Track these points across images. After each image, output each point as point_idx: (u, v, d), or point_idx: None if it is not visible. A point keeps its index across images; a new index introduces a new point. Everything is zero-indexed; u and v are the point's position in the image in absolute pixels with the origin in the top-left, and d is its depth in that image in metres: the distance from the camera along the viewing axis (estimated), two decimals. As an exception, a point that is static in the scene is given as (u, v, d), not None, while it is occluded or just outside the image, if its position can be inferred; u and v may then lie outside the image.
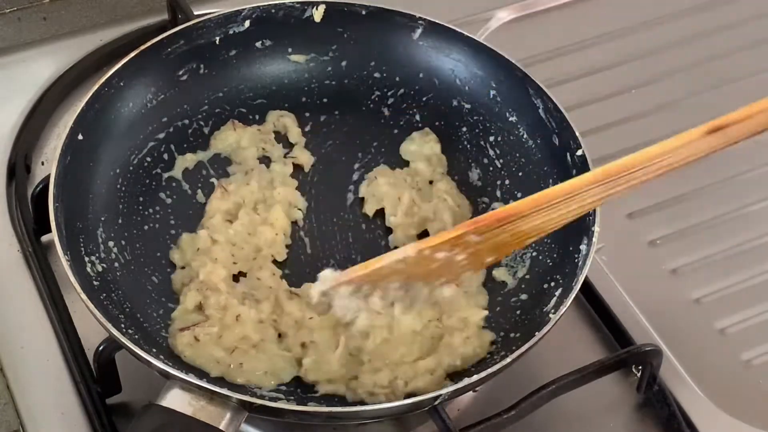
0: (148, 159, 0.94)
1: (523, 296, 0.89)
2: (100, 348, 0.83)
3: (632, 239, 1.04)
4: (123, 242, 0.89)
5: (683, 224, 1.05)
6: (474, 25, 1.16)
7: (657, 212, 1.06)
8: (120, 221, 0.90)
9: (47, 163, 0.86)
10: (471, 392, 0.90)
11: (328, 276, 0.82)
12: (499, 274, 0.90)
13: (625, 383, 0.91)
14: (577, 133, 0.91)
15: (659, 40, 1.21)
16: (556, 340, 0.91)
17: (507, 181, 0.96)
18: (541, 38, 1.19)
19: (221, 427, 0.74)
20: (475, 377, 0.78)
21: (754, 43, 1.23)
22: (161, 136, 0.95)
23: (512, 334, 0.85)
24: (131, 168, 0.93)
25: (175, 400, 0.75)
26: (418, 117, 1.00)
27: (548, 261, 0.90)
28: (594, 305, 0.95)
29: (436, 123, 1.00)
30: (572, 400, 0.87)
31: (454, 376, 0.82)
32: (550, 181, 0.93)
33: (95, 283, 0.84)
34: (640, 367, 0.90)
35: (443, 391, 0.77)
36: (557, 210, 0.81)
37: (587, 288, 0.95)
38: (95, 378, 0.86)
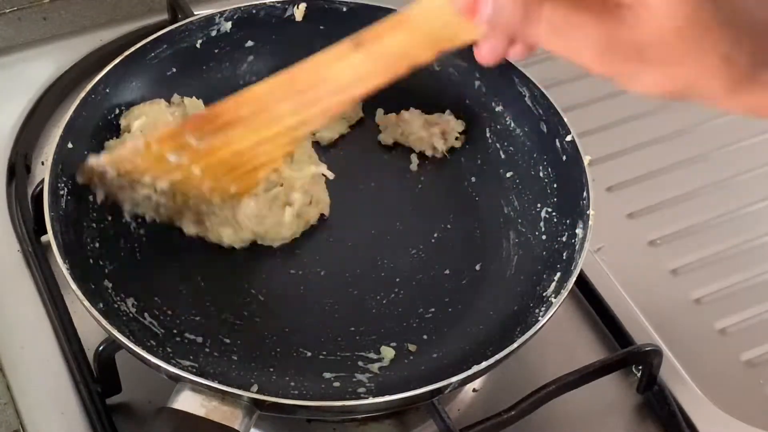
0: None
1: (521, 285, 0.89)
2: (100, 348, 0.83)
3: (632, 239, 1.04)
4: (126, 245, 0.89)
5: (683, 224, 1.05)
6: (474, 25, 1.16)
7: (657, 212, 1.06)
8: (117, 227, 0.90)
9: (47, 163, 0.86)
10: (471, 392, 0.90)
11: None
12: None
13: (625, 383, 0.91)
14: (565, 119, 0.92)
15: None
16: (556, 340, 0.91)
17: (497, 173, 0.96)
18: (541, 38, 1.19)
19: (236, 427, 0.74)
20: (484, 363, 0.78)
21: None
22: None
23: (513, 324, 0.85)
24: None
25: (187, 402, 0.75)
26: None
27: (544, 247, 0.90)
28: (594, 305, 0.95)
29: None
30: (572, 400, 0.87)
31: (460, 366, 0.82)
32: (540, 168, 0.94)
33: (98, 288, 0.84)
34: (640, 367, 0.90)
35: (452, 380, 0.77)
36: (267, 130, 0.82)
37: (587, 288, 0.95)
38: (95, 378, 0.86)
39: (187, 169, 0.84)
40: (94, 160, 0.84)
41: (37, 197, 0.93)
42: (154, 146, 0.84)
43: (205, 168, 0.84)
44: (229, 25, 0.99)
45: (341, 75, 0.78)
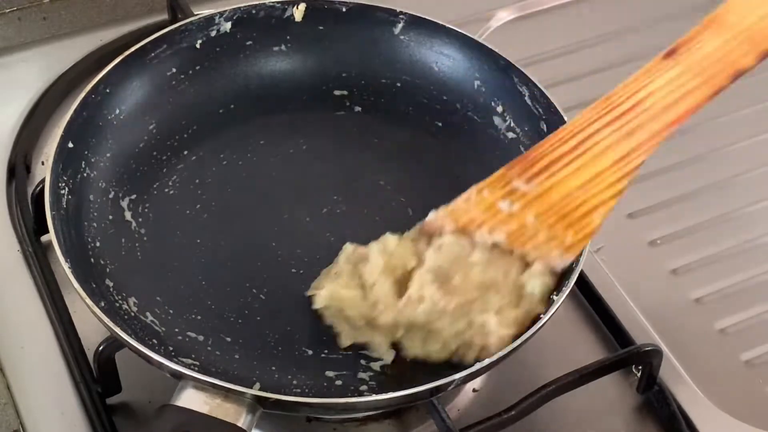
0: (141, 165, 0.94)
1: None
2: (100, 348, 0.83)
3: (632, 239, 1.04)
4: (127, 244, 0.89)
5: (683, 224, 1.05)
6: (474, 25, 1.16)
7: (657, 212, 1.06)
8: (118, 226, 0.90)
9: (47, 163, 0.86)
10: (471, 392, 0.90)
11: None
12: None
13: (625, 383, 0.91)
14: (565, 118, 0.92)
15: (659, 40, 1.21)
16: (556, 340, 0.91)
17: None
18: (541, 38, 1.20)
19: (239, 424, 0.74)
20: (486, 361, 0.78)
21: (753, 43, 1.23)
22: (152, 141, 0.96)
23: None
24: (124, 173, 0.93)
25: (190, 399, 0.75)
26: (405, 112, 1.01)
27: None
28: (594, 305, 0.95)
29: (423, 118, 1.00)
30: (572, 400, 0.87)
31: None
32: None
33: (99, 287, 0.84)
34: (640, 367, 0.90)
35: (453, 378, 0.77)
36: (594, 165, 0.79)
37: (587, 288, 0.95)
38: (95, 378, 0.86)
39: (521, 217, 0.81)
40: (432, 217, 0.82)
41: (37, 197, 0.93)
42: (485, 193, 0.82)
43: (537, 214, 0.81)
44: (228, 25, 0.99)
45: (660, 93, 0.74)
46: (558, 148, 0.81)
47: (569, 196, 0.81)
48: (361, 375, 0.83)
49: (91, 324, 0.80)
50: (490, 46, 0.97)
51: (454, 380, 0.77)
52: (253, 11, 0.99)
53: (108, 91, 0.93)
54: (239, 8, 0.99)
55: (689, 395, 0.90)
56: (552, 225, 0.81)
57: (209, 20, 0.98)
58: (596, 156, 0.79)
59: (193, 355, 0.83)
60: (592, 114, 0.79)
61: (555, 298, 0.83)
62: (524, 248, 0.82)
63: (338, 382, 0.83)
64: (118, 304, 0.84)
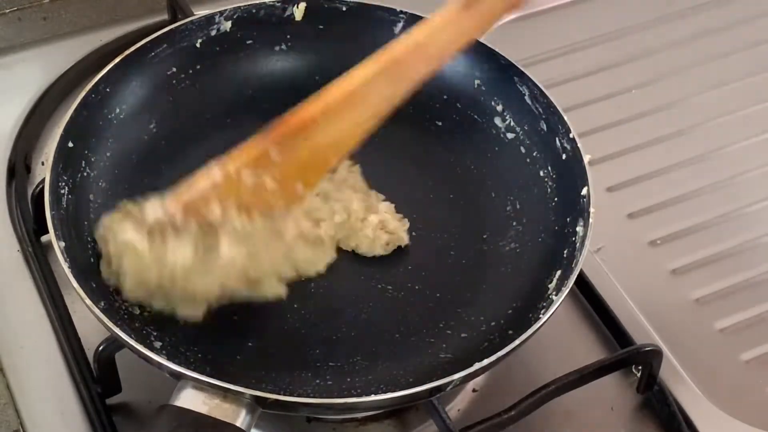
0: (142, 164, 0.94)
1: (521, 284, 0.89)
2: (100, 348, 0.83)
3: (632, 239, 1.04)
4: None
5: (683, 224, 1.05)
6: (474, 25, 1.16)
7: (657, 212, 1.06)
8: None
9: (47, 163, 0.86)
10: (471, 392, 0.90)
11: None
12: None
13: (625, 383, 0.91)
14: (565, 117, 0.92)
15: (659, 40, 1.22)
16: (556, 340, 0.91)
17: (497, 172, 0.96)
18: (541, 38, 1.20)
19: (238, 424, 0.74)
20: (485, 361, 0.78)
21: (754, 43, 1.23)
22: (152, 141, 0.96)
23: (513, 322, 0.85)
24: (125, 172, 0.93)
25: (189, 399, 0.75)
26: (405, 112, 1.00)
27: (545, 246, 0.90)
28: (594, 305, 0.95)
29: (423, 117, 1.00)
30: (572, 400, 0.87)
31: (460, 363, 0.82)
32: (540, 166, 0.94)
33: (99, 287, 0.84)
34: (640, 367, 0.90)
35: (453, 377, 0.77)
36: (349, 116, 0.84)
37: (587, 288, 0.95)
38: (95, 378, 0.86)
39: (261, 186, 0.82)
40: (156, 209, 0.81)
41: (37, 197, 0.93)
42: (237, 173, 0.82)
43: (280, 178, 0.82)
44: (229, 24, 0.99)
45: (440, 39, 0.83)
46: (325, 105, 0.84)
47: (317, 150, 0.84)
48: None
49: (91, 324, 0.80)
50: (490, 46, 0.97)
51: (453, 380, 0.77)
52: (254, 10, 0.99)
53: (108, 90, 0.93)
54: (239, 7, 0.99)
55: (689, 395, 0.90)
56: (290, 183, 0.83)
57: (209, 19, 0.98)
58: (366, 107, 0.84)
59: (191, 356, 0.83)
60: (373, 68, 0.85)
61: (555, 298, 0.83)
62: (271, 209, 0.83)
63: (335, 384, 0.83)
64: (117, 304, 0.84)
